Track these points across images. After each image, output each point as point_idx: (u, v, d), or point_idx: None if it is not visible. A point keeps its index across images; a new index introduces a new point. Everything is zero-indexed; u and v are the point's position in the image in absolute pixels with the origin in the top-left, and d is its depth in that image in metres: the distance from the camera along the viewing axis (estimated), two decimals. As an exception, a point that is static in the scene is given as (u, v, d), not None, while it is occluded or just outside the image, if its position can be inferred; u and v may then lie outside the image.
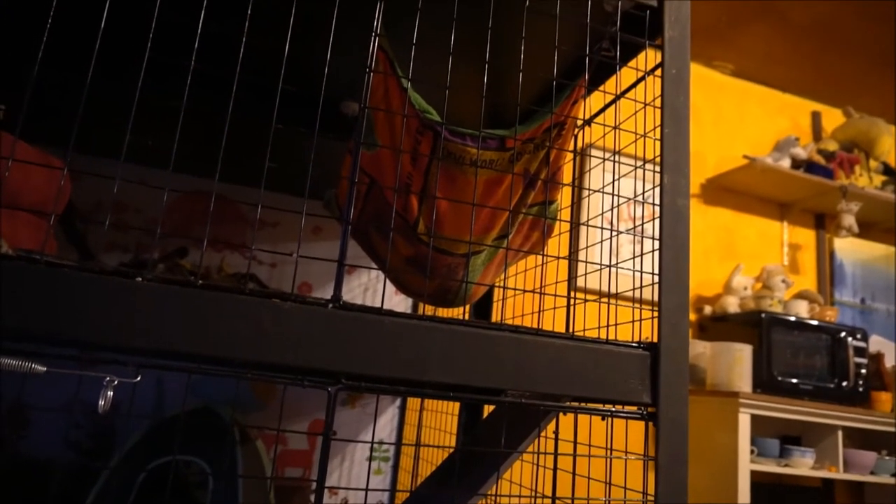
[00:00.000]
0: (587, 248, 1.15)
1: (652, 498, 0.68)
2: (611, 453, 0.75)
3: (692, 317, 2.41)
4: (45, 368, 0.52)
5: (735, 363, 2.02)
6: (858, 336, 2.23)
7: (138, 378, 0.53)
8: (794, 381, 2.10)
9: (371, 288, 1.74)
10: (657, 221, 0.74)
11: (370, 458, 1.64)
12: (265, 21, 0.88)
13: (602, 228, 0.81)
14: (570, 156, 0.95)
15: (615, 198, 0.84)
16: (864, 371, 2.20)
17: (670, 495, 0.67)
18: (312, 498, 1.55)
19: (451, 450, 1.02)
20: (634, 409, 0.72)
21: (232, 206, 1.62)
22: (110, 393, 0.54)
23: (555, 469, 0.92)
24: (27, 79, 1.01)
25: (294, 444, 1.59)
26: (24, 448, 1.34)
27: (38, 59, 0.58)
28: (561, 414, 0.88)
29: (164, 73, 0.94)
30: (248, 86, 1.11)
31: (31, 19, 0.97)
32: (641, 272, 0.79)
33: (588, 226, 0.75)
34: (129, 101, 1.00)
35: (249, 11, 0.63)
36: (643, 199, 0.78)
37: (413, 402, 1.68)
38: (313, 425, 1.60)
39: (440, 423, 1.57)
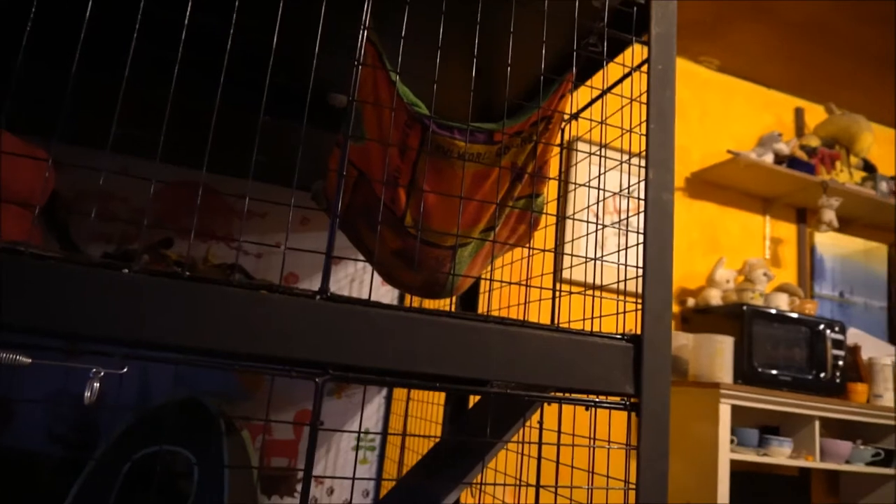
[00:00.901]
0: (573, 240, 1.16)
1: (633, 486, 0.69)
2: (594, 443, 0.77)
3: (676, 309, 2.44)
4: (29, 360, 0.52)
5: (717, 355, 2.05)
6: (836, 329, 2.27)
7: (125, 369, 0.54)
8: (774, 372, 2.14)
9: (358, 279, 1.74)
10: (642, 215, 0.75)
11: (356, 448, 1.65)
12: (254, 12, 0.87)
13: (587, 222, 0.82)
14: (556, 149, 0.95)
15: (600, 191, 0.85)
16: (841, 363, 2.25)
17: (651, 484, 0.69)
18: (299, 487, 1.56)
19: (437, 439, 1.03)
20: (617, 399, 0.73)
21: (218, 196, 1.61)
22: (96, 384, 0.55)
23: (539, 458, 0.94)
24: (10, 69, 1.00)
25: (280, 433, 1.59)
26: (8, 441, 1.33)
27: (22, 49, 0.57)
28: (546, 404, 0.90)
29: (151, 63, 0.93)
30: (236, 77, 1.11)
31: (14, 8, 0.96)
32: (626, 265, 0.80)
33: (574, 219, 0.76)
34: (115, 92, 0.99)
35: (237, 3, 0.63)
36: (629, 192, 0.79)
37: (399, 392, 1.69)
38: (299, 415, 1.61)
39: (426, 412, 1.58)
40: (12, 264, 0.52)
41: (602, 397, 0.74)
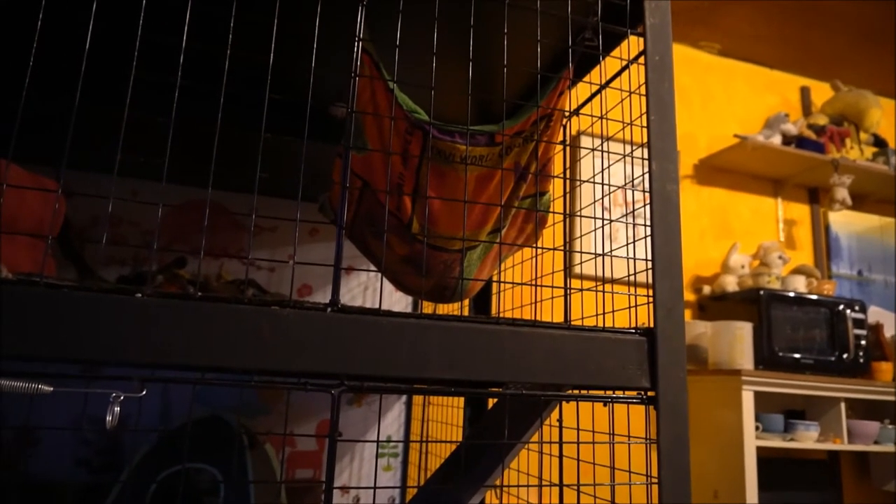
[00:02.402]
0: (581, 236, 1.16)
1: (656, 480, 0.69)
2: (613, 439, 0.76)
3: (692, 297, 2.42)
4: (51, 389, 0.53)
5: (736, 341, 2.03)
6: (857, 308, 2.24)
7: (143, 392, 0.54)
8: (796, 355, 2.11)
9: (371, 286, 1.75)
10: (648, 207, 0.75)
11: (376, 456, 1.65)
12: (251, 32, 0.88)
13: (594, 218, 0.82)
14: (559, 147, 0.95)
15: (605, 186, 0.85)
16: (863, 342, 2.22)
17: (673, 476, 0.69)
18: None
19: (458, 443, 1.03)
20: (634, 394, 0.73)
21: (228, 213, 1.63)
22: (117, 409, 0.55)
23: (560, 457, 0.94)
24: (16, 100, 1.02)
25: (303, 445, 1.60)
26: (34, 467, 1.35)
27: (27, 80, 0.58)
28: (564, 402, 0.90)
29: (154, 89, 0.95)
30: (238, 95, 1.12)
31: (18, 41, 0.98)
32: (635, 258, 0.80)
33: (581, 216, 0.76)
34: (119, 119, 1.00)
35: (232, 23, 0.64)
36: (632, 185, 0.79)
37: (419, 397, 1.70)
38: (321, 426, 1.62)
39: (447, 416, 1.58)
40: (28, 295, 0.53)
41: (619, 393, 0.73)
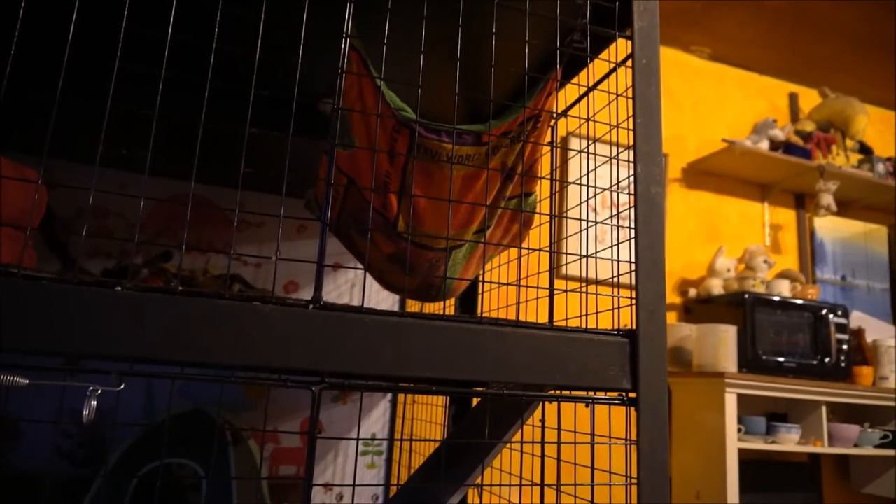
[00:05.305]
0: (567, 237, 1.17)
1: (635, 481, 0.69)
2: (594, 439, 0.77)
3: (677, 300, 2.44)
4: (27, 381, 0.52)
5: (720, 344, 2.05)
6: (839, 313, 2.27)
7: (122, 386, 0.54)
8: (779, 359, 2.14)
9: (358, 284, 1.74)
10: (633, 210, 0.75)
11: (356, 454, 1.65)
12: (240, 27, 0.88)
13: (580, 220, 0.83)
14: (547, 148, 0.95)
15: (591, 188, 0.85)
16: (845, 347, 2.25)
17: (652, 477, 0.69)
18: (307, 495, 1.56)
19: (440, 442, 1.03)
20: (615, 395, 0.73)
21: (216, 208, 1.62)
22: (94, 402, 0.55)
23: (542, 456, 0.94)
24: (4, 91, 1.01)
25: (287, 442, 1.60)
26: (16, 460, 1.33)
27: (7, 71, 0.58)
28: (546, 402, 0.90)
29: (140, 81, 0.94)
30: (226, 90, 1.11)
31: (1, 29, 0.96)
32: (618, 260, 0.81)
33: (566, 217, 0.76)
34: (103, 111, 0.99)
35: (219, 18, 0.63)
36: (618, 188, 0.79)
37: (403, 395, 1.70)
38: (306, 423, 1.61)
39: (431, 415, 1.58)
40: (4, 286, 0.52)
41: (600, 394, 0.74)
